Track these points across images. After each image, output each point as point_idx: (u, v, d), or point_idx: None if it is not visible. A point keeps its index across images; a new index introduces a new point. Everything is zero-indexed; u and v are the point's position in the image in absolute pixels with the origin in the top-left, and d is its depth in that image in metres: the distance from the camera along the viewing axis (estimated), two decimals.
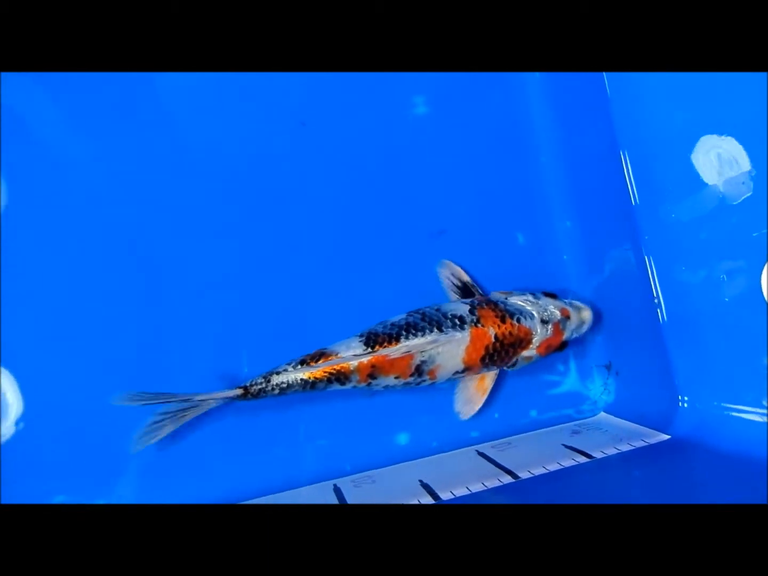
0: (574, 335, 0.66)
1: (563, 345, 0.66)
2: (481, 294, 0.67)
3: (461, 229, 0.71)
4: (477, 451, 0.64)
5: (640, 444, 0.58)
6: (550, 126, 0.73)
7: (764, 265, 0.48)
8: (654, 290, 0.62)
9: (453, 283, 0.68)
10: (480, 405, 0.65)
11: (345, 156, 0.69)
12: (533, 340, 0.64)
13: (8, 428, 0.58)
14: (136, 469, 0.60)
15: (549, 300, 0.65)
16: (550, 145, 0.73)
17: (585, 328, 0.66)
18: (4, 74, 0.60)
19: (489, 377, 0.65)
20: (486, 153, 0.72)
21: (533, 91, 0.73)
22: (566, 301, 0.66)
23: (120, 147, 0.64)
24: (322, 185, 0.68)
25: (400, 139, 0.71)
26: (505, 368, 0.65)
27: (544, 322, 0.64)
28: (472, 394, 0.65)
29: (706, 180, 0.55)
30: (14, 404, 0.58)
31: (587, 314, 0.66)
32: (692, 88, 0.56)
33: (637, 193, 0.62)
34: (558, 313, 0.64)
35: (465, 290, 0.67)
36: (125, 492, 0.60)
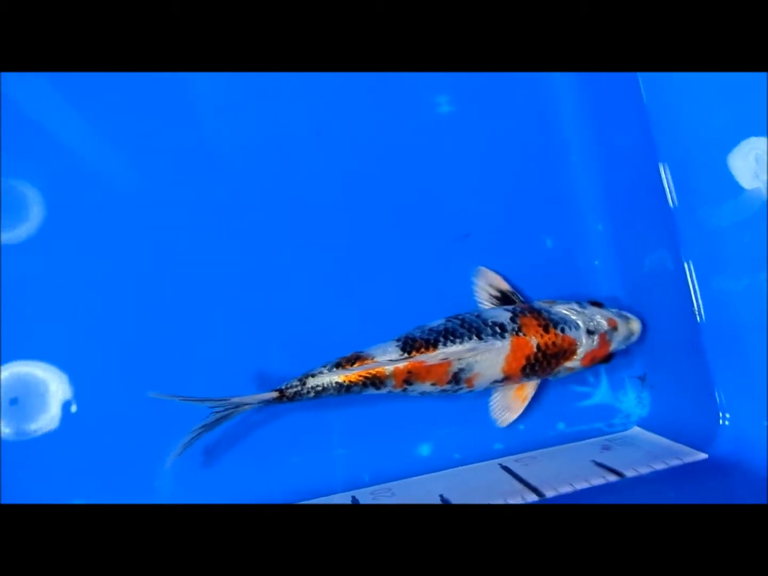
0: (621, 347, 0.63)
1: (609, 357, 0.63)
2: (522, 302, 0.64)
3: (486, 232, 0.68)
4: (500, 464, 0.62)
5: (675, 463, 0.55)
6: (581, 124, 0.70)
7: None
8: (693, 299, 0.58)
9: (490, 294, 0.65)
10: (519, 413, 0.63)
11: (370, 157, 0.67)
12: (578, 351, 0.61)
13: (50, 420, 0.58)
14: (151, 469, 0.60)
15: (595, 309, 0.62)
16: (581, 143, 0.70)
17: (633, 339, 0.63)
18: (22, 75, 0.60)
19: (530, 385, 0.63)
20: (513, 152, 0.69)
21: (563, 88, 0.70)
22: (614, 310, 0.63)
23: (144, 148, 0.63)
24: (347, 187, 0.67)
25: (424, 139, 0.69)
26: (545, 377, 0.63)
27: (590, 332, 0.61)
28: (512, 402, 0.63)
29: (745, 183, 0.51)
30: (58, 396, 0.59)
31: (636, 325, 0.63)
32: (732, 88, 0.52)
33: (676, 195, 0.58)
34: (605, 324, 0.61)
35: (504, 300, 0.64)
36: (147, 491, 0.59)
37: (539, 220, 0.69)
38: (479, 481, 0.58)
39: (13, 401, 0.58)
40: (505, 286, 0.65)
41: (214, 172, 0.64)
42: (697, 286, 0.57)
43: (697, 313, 0.57)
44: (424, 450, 0.64)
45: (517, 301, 0.64)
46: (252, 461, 0.61)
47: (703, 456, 0.55)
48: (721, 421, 0.56)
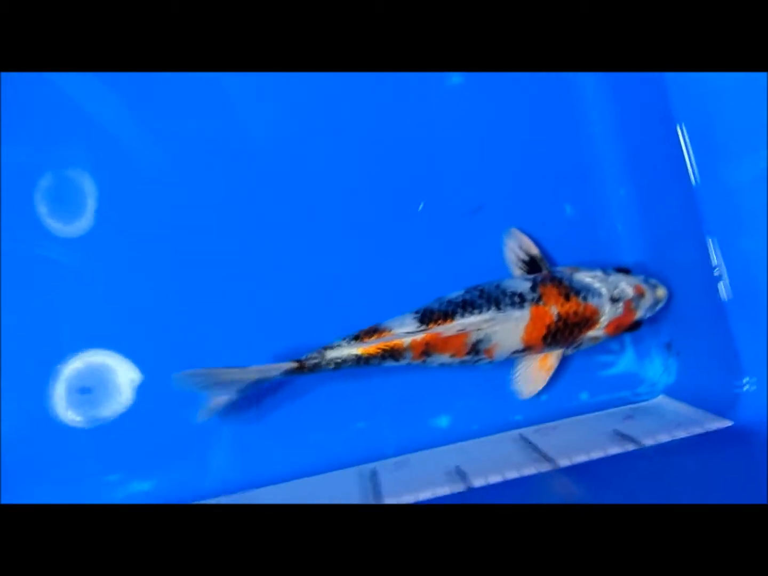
0: (648, 314, 0.61)
1: (636, 325, 0.61)
2: (548, 270, 0.63)
3: (505, 199, 0.67)
4: (521, 434, 0.61)
5: (697, 430, 0.53)
6: (600, 85, 0.67)
7: None
8: (716, 261, 0.55)
9: (519, 258, 0.64)
10: (543, 385, 0.62)
11: (385, 129, 0.67)
12: (601, 320, 0.59)
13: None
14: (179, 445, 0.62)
15: (621, 276, 0.61)
16: (601, 104, 0.67)
17: (661, 306, 0.61)
18: (78, 75, 0.63)
19: (554, 356, 0.62)
20: (529, 116, 0.67)
21: None
22: (640, 277, 0.61)
23: (179, 143, 0.65)
24: (364, 161, 0.66)
25: (438, 109, 0.67)
26: (569, 350, 0.62)
27: (614, 300, 0.59)
28: (535, 373, 0.62)
29: None
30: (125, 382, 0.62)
31: (663, 292, 0.61)
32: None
33: (694, 156, 0.55)
34: (630, 291, 0.60)
35: (532, 265, 0.63)
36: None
37: (558, 187, 0.67)
38: (495, 452, 0.58)
39: (84, 390, 0.62)
40: (534, 250, 0.64)
41: (240, 160, 0.66)
42: (718, 249, 0.55)
43: (719, 276, 0.55)
44: (443, 422, 0.64)
45: (543, 267, 0.63)
46: (274, 436, 0.63)
47: (728, 423, 0.53)
48: (745, 387, 0.54)
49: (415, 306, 0.61)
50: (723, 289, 0.55)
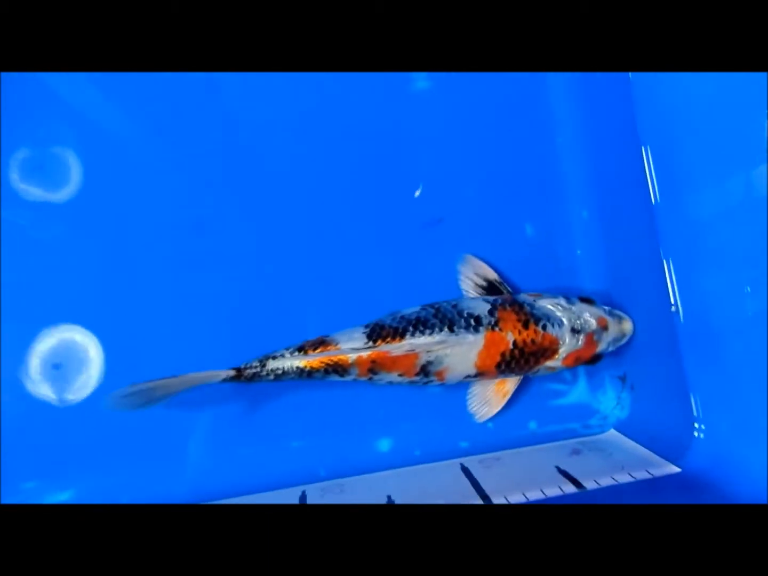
0: (611, 348, 0.58)
1: (596, 358, 0.58)
2: (509, 292, 0.60)
3: (465, 216, 0.64)
4: (462, 465, 0.58)
5: (643, 476, 0.50)
6: (568, 103, 0.64)
7: None
8: (673, 298, 0.53)
9: (476, 284, 0.61)
10: (498, 409, 0.59)
11: (342, 138, 0.63)
12: (560, 351, 0.56)
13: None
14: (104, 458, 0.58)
15: (585, 306, 0.58)
16: (567, 124, 0.64)
17: (624, 340, 0.58)
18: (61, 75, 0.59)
19: (511, 380, 0.59)
20: (491, 131, 0.64)
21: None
22: (605, 308, 0.58)
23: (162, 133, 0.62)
24: (319, 170, 0.63)
25: (399, 118, 0.64)
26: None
27: (575, 331, 0.56)
28: (491, 396, 0.59)
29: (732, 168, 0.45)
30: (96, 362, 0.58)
31: (628, 326, 0.58)
32: (718, 80, 0.46)
33: (657, 183, 0.52)
34: (593, 323, 0.57)
35: (491, 290, 0.60)
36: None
37: (519, 205, 0.64)
38: (432, 483, 0.55)
39: (56, 366, 0.58)
40: (492, 275, 0.61)
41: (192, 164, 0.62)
42: (675, 283, 0.52)
43: (676, 312, 0.52)
44: (384, 445, 0.61)
45: (504, 291, 0.60)
46: (201, 452, 0.59)
47: (676, 469, 0.51)
48: (696, 433, 0.51)
49: (371, 317, 0.58)
50: (680, 326, 0.52)
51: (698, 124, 0.48)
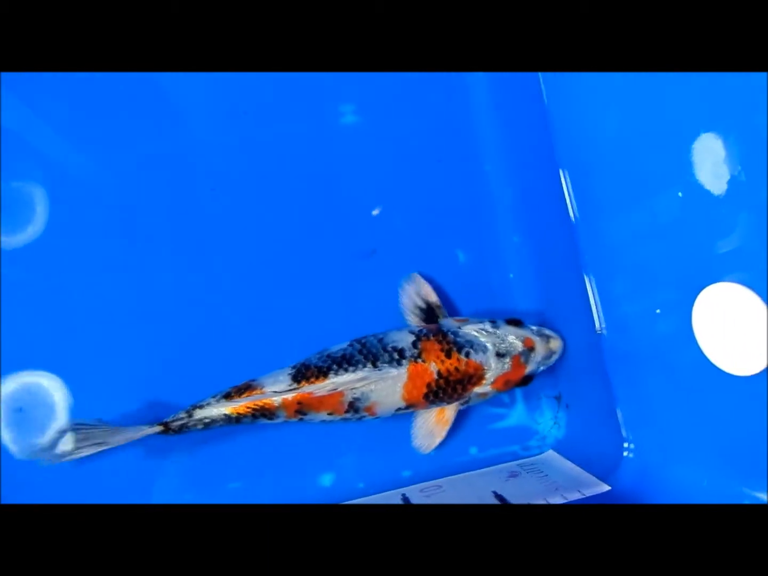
0: (541, 368, 0.59)
1: (526, 379, 0.59)
2: (445, 316, 0.60)
3: (396, 245, 0.64)
4: (403, 495, 0.58)
5: (575, 496, 0.51)
6: (494, 132, 0.65)
7: (696, 300, 0.41)
8: (597, 318, 0.54)
9: (416, 305, 0.61)
10: (441, 438, 0.59)
11: (267, 167, 0.63)
12: (486, 376, 0.57)
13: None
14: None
15: (510, 329, 0.58)
16: (496, 151, 0.66)
17: (554, 359, 0.59)
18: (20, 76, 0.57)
19: (450, 408, 0.59)
20: (421, 160, 0.65)
21: (474, 93, 0.66)
22: (533, 328, 0.59)
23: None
24: (245, 200, 0.62)
25: (327, 149, 0.64)
26: (459, 404, 0.59)
27: (500, 355, 0.57)
28: (433, 427, 0.59)
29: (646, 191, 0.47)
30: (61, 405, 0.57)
31: (557, 344, 0.58)
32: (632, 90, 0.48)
33: (576, 205, 0.54)
34: (519, 345, 0.57)
35: (429, 313, 0.61)
36: None
37: (451, 233, 0.65)
38: None
39: (18, 410, 0.56)
40: (433, 297, 0.61)
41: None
42: (600, 306, 0.54)
43: (601, 332, 0.54)
44: (326, 480, 0.61)
45: (440, 316, 0.61)
46: (136, 496, 0.58)
47: (606, 488, 0.52)
48: (625, 453, 0.52)
49: (306, 352, 0.58)
50: (605, 346, 0.54)
51: (611, 149, 0.50)
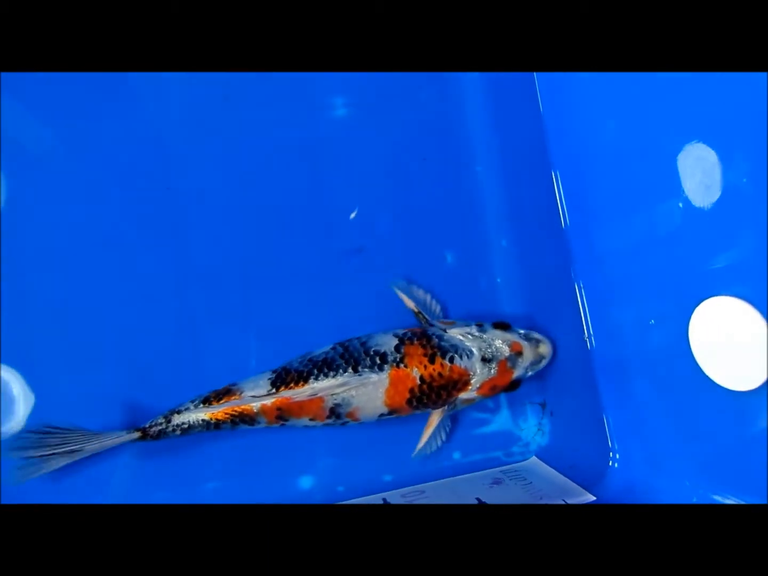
0: (529, 373, 0.58)
1: (514, 384, 0.57)
2: (427, 321, 0.59)
3: (383, 244, 0.63)
4: (384, 499, 0.57)
5: (559, 503, 0.51)
6: (487, 133, 0.64)
7: (694, 312, 0.40)
8: (585, 326, 0.53)
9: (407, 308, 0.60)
10: (424, 440, 0.58)
11: (256, 162, 0.62)
12: (471, 382, 0.56)
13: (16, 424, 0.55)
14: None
15: (498, 333, 0.57)
16: (488, 153, 0.64)
17: (544, 363, 0.58)
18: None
19: (436, 413, 0.58)
20: (411, 158, 0.64)
21: (469, 92, 0.65)
22: (521, 332, 0.58)
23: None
24: (231, 195, 0.61)
25: (317, 144, 0.63)
26: (446, 410, 0.58)
27: (485, 360, 0.56)
28: (423, 432, 0.58)
29: (640, 201, 0.46)
30: (20, 399, 0.55)
31: (546, 349, 0.57)
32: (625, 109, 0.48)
33: (568, 212, 0.53)
34: (506, 349, 0.56)
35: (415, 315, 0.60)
36: None
37: (439, 234, 0.64)
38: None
39: None
40: (410, 304, 0.60)
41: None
42: (587, 312, 0.53)
43: (587, 341, 0.53)
44: (305, 483, 0.59)
45: (421, 320, 0.59)
46: (112, 495, 0.56)
47: (591, 498, 0.51)
48: (611, 462, 0.52)
49: (291, 352, 0.57)
50: (594, 355, 0.53)
51: (607, 155, 0.49)
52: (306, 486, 0.59)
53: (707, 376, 0.39)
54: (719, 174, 0.39)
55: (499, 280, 0.64)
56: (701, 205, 0.41)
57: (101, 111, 0.59)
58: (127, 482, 0.56)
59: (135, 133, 0.60)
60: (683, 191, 0.42)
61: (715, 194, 0.40)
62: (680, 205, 0.41)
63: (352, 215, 0.62)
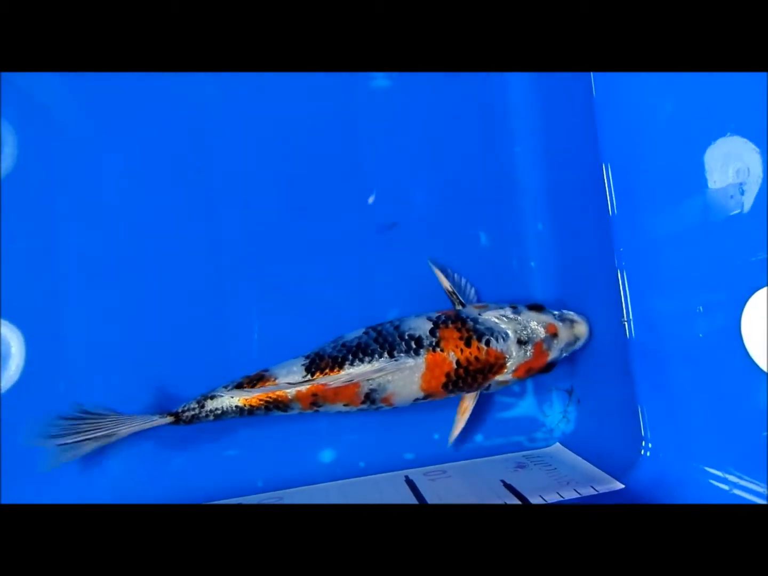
0: (564, 354, 0.56)
1: (549, 366, 0.56)
2: (459, 301, 0.58)
3: (417, 221, 0.62)
4: (406, 477, 0.56)
5: (588, 492, 0.50)
6: (528, 114, 0.64)
7: (747, 301, 0.39)
8: (624, 313, 0.52)
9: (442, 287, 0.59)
10: (461, 427, 0.57)
11: (292, 139, 0.61)
12: (507, 365, 0.55)
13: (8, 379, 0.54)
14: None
15: (532, 314, 0.56)
16: (528, 135, 0.64)
17: (580, 344, 0.56)
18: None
19: (469, 397, 0.57)
20: (450, 136, 0.63)
21: (510, 77, 0.64)
22: (556, 313, 0.56)
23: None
24: (267, 171, 0.60)
25: (355, 115, 0.62)
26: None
27: (521, 342, 0.55)
28: (456, 417, 0.58)
29: (691, 190, 0.45)
30: (17, 357, 0.55)
31: (582, 329, 0.56)
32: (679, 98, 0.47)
33: (616, 200, 0.52)
34: (542, 331, 0.55)
35: (450, 296, 0.59)
36: None
37: (475, 213, 0.63)
38: (374, 495, 0.53)
39: None
40: (446, 284, 0.59)
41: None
42: (629, 300, 0.52)
43: (627, 329, 0.52)
44: (327, 456, 0.59)
45: (455, 301, 0.59)
46: (136, 460, 0.56)
47: (620, 486, 0.51)
48: (642, 452, 0.51)
49: (323, 327, 0.56)
50: (631, 343, 0.52)
51: (659, 145, 0.48)
52: (327, 459, 0.58)
53: (759, 368, 0.38)
54: None
55: (533, 264, 0.63)
56: (755, 194, 0.40)
57: (133, 104, 0.59)
58: (150, 448, 0.56)
59: (154, 121, 0.59)
60: (737, 180, 0.41)
61: None
62: (733, 194, 0.40)
63: (370, 200, 0.61)
